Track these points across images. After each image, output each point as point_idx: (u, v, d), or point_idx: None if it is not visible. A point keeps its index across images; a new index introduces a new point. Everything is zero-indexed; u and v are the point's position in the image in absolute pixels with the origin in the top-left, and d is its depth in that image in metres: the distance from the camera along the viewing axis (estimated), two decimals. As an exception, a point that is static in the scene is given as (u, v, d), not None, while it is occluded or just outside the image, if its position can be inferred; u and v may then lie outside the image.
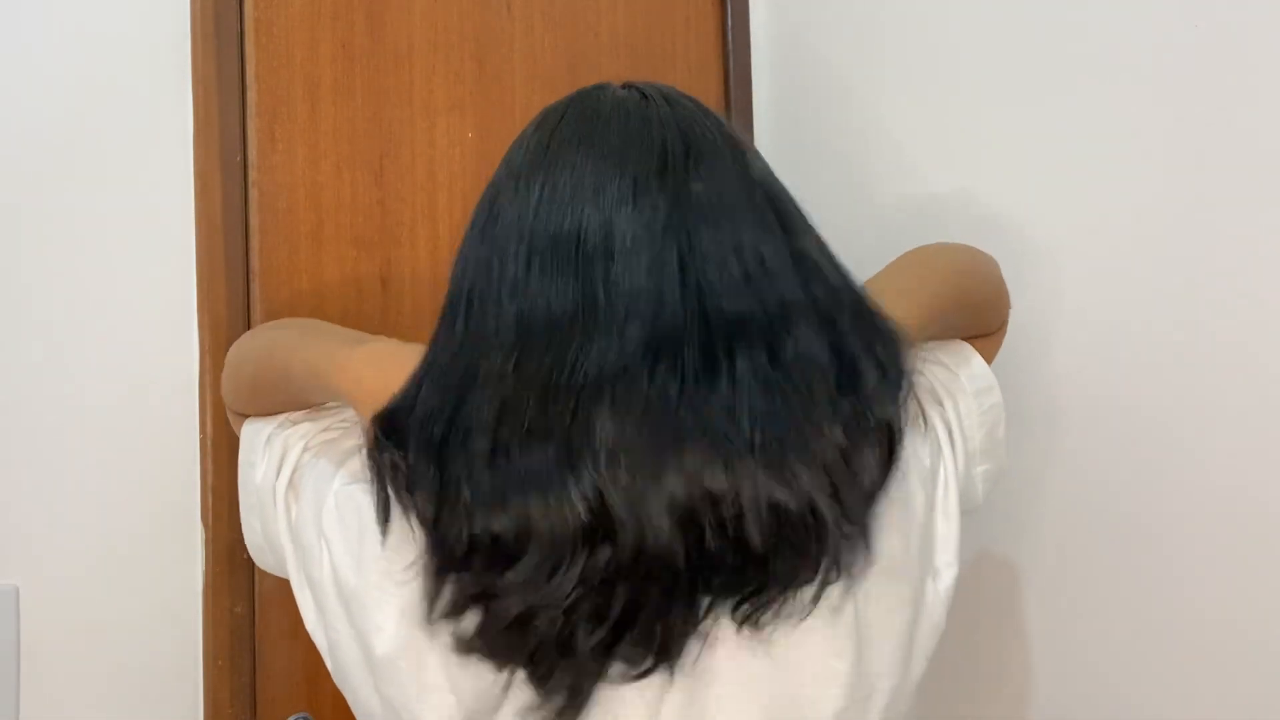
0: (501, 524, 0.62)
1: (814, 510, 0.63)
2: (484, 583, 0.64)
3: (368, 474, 0.69)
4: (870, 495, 0.67)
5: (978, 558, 1.20)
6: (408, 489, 0.66)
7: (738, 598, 0.65)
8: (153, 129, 1.10)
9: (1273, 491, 0.98)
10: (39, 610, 1.03)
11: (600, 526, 0.62)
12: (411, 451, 0.66)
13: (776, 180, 0.75)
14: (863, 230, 1.31)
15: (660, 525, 0.62)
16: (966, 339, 0.93)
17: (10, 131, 1.03)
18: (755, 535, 0.62)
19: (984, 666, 1.22)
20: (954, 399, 0.85)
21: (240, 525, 0.91)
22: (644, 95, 0.74)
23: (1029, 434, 1.12)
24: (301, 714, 1.12)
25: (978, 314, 0.94)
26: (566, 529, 0.62)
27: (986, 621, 1.21)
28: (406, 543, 0.68)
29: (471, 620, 0.65)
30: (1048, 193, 1.15)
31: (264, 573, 1.09)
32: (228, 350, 0.99)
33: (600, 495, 0.62)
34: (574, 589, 0.62)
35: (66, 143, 1.06)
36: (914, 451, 0.77)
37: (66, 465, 1.05)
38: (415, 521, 0.66)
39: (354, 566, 0.71)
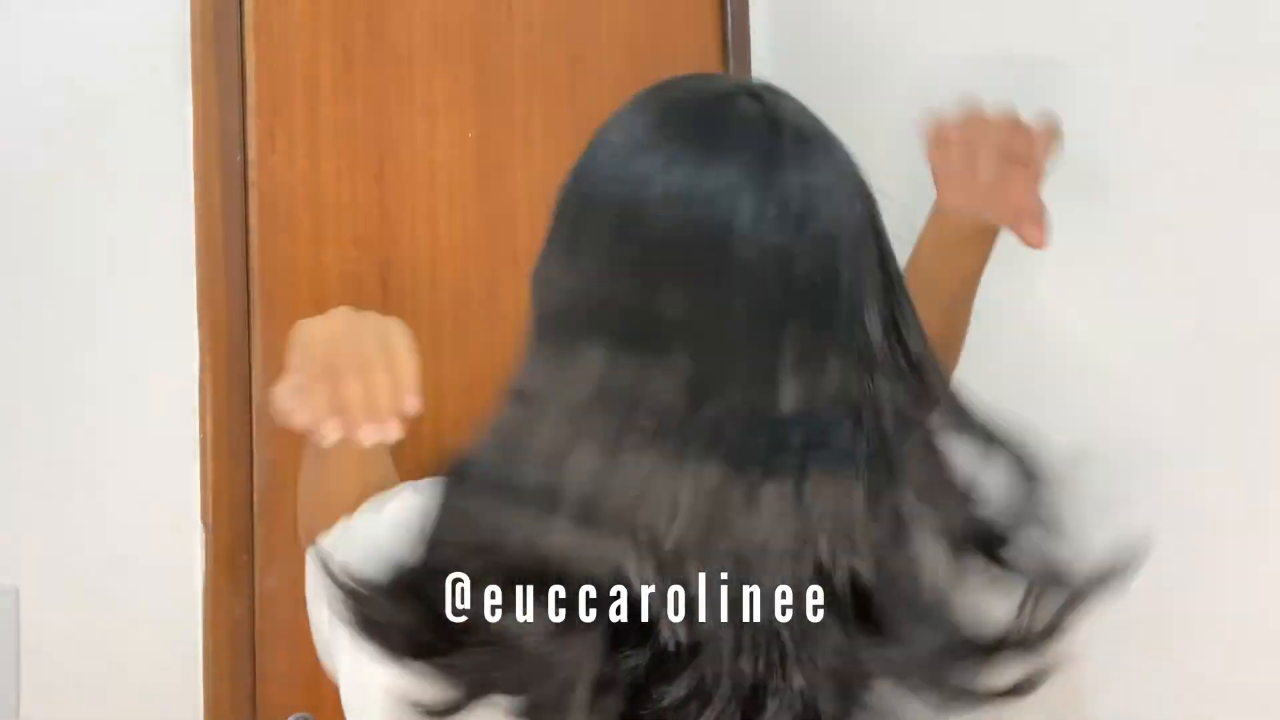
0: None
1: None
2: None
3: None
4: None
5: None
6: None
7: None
8: (153, 129, 1.10)
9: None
10: (39, 610, 1.03)
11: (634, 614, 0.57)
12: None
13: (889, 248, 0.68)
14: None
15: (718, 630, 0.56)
16: None
17: (10, 131, 1.03)
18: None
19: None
20: None
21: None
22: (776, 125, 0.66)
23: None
24: (302, 714, 1.12)
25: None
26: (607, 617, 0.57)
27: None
28: None
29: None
30: (1047, 192, 1.15)
31: (264, 572, 1.10)
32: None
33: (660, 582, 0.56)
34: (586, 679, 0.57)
35: (66, 143, 1.06)
36: None
37: (67, 465, 1.05)
38: None
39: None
